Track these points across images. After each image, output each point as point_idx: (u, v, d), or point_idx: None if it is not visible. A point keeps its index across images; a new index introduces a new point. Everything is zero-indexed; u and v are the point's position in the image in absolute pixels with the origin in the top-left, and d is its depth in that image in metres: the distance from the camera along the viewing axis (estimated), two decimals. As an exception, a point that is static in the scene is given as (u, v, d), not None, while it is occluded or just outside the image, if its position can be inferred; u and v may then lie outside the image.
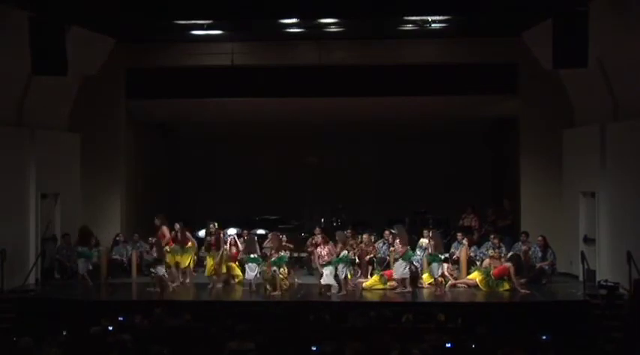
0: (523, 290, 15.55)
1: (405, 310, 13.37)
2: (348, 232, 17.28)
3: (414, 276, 16.41)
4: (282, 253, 16.00)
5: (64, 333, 11.53)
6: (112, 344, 10.68)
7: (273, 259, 15.78)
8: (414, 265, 16.37)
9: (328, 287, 15.59)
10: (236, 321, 12.29)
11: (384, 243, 17.94)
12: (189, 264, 16.98)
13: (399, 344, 10.44)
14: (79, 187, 18.85)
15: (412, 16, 16.33)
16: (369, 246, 17.99)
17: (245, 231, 17.78)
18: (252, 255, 16.12)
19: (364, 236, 18.13)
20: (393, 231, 17.99)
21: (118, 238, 18.31)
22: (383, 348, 10.37)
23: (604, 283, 14.62)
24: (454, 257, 17.42)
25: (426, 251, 16.54)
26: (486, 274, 16.08)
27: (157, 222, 17.04)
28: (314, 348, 10.13)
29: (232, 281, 16.89)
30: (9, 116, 16.67)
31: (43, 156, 17.45)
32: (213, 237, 16.74)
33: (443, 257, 16.28)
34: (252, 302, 15.43)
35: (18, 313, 14.69)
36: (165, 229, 16.91)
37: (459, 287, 16.35)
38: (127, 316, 12.72)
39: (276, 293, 15.56)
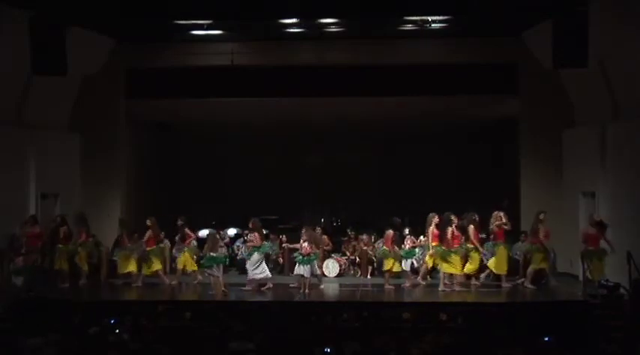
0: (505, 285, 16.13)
1: (404, 309, 13.39)
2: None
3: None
4: (213, 254, 15.92)
5: (64, 334, 11.52)
6: (112, 344, 10.70)
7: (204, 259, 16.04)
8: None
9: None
10: (236, 321, 12.31)
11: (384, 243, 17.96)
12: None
13: (398, 344, 10.45)
14: (79, 187, 18.85)
15: (412, 16, 16.33)
16: (369, 246, 18.04)
17: (245, 231, 17.80)
18: (212, 254, 15.99)
19: (364, 236, 18.18)
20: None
21: (120, 239, 18.28)
22: (382, 348, 10.37)
23: (604, 283, 14.62)
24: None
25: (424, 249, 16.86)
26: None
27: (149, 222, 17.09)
28: (328, 350, 10.08)
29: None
30: (9, 116, 16.68)
31: (43, 156, 17.46)
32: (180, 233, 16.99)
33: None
34: (252, 302, 15.43)
35: (18, 313, 14.66)
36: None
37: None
38: (121, 317, 12.70)
39: (211, 292, 15.65)
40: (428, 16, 16.26)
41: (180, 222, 17.13)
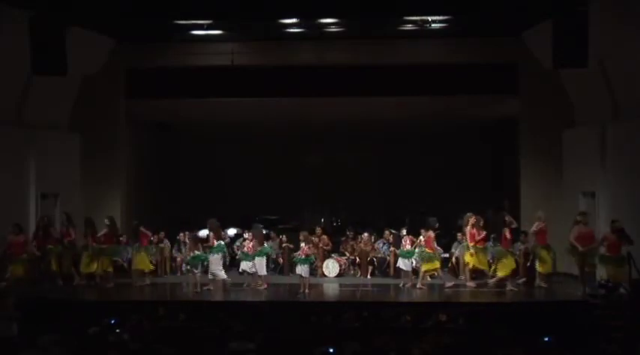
0: (511, 288, 15.86)
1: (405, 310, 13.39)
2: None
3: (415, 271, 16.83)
4: (197, 252, 16.05)
5: (63, 333, 11.51)
6: (111, 344, 10.69)
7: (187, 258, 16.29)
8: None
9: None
10: (236, 321, 12.30)
11: (384, 243, 18.00)
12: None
13: (398, 344, 10.44)
14: (79, 187, 18.85)
15: (412, 16, 16.34)
16: (368, 245, 18.04)
17: (245, 231, 17.81)
18: (196, 252, 16.13)
19: (364, 236, 18.19)
20: (393, 231, 18.08)
21: (121, 239, 18.27)
22: (382, 348, 10.36)
23: (604, 283, 14.61)
24: (455, 257, 17.53)
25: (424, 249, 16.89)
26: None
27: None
28: (331, 350, 10.09)
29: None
30: (9, 116, 16.68)
31: (43, 156, 17.47)
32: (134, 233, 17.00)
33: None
34: (252, 302, 15.44)
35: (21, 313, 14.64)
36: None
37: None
38: (121, 317, 12.69)
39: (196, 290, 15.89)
40: (428, 16, 16.27)
41: (135, 222, 17.12)
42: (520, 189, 18.85)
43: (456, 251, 17.52)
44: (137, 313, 13.01)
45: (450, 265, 17.99)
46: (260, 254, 16.34)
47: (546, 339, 11.25)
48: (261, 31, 17.72)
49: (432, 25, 16.62)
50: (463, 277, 16.66)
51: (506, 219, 16.10)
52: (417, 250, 16.79)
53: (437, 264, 16.28)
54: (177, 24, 16.85)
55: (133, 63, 18.91)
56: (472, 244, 16.13)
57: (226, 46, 18.18)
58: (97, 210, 18.24)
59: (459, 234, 17.72)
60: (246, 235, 16.93)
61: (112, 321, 12.40)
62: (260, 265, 16.27)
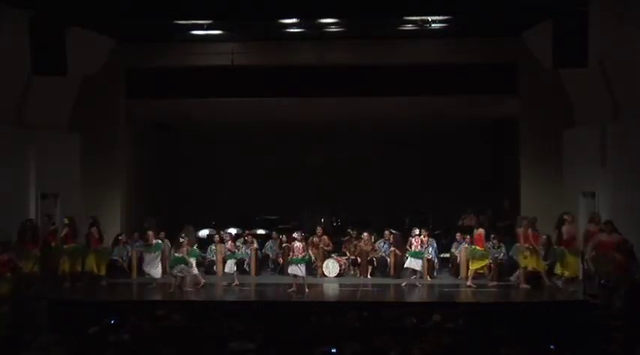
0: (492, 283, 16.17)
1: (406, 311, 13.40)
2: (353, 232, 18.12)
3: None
4: (178, 255, 16.16)
5: (63, 333, 11.52)
6: (111, 344, 10.70)
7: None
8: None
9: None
10: (236, 321, 12.31)
11: (384, 243, 18.00)
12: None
13: (398, 344, 10.45)
14: (79, 187, 18.85)
15: (412, 16, 16.34)
16: (369, 245, 18.05)
17: (246, 231, 17.84)
18: (176, 254, 16.24)
19: (364, 235, 18.20)
20: (393, 231, 18.09)
21: (120, 237, 18.25)
22: (382, 348, 10.37)
23: (604, 283, 14.59)
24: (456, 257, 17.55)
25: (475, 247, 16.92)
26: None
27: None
28: (334, 350, 10.09)
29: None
30: (9, 116, 16.67)
31: (43, 156, 17.45)
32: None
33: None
34: (252, 302, 15.44)
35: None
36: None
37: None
38: (121, 317, 12.69)
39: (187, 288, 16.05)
40: (428, 16, 16.27)
41: (90, 221, 17.08)
42: (520, 189, 18.85)
43: (456, 251, 17.53)
44: (137, 313, 13.02)
45: (450, 265, 18.01)
46: (184, 256, 16.31)
47: (552, 347, 11.20)
48: (261, 31, 17.72)
49: (432, 25, 16.61)
50: (514, 278, 16.61)
51: (566, 217, 15.87)
52: (429, 249, 16.84)
53: (486, 262, 16.46)
54: (177, 24, 16.85)
55: (133, 63, 18.90)
56: (527, 246, 16.02)
57: (226, 46, 18.16)
58: (97, 210, 18.23)
59: (458, 234, 17.74)
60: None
61: (112, 321, 12.42)
62: (187, 267, 16.28)
